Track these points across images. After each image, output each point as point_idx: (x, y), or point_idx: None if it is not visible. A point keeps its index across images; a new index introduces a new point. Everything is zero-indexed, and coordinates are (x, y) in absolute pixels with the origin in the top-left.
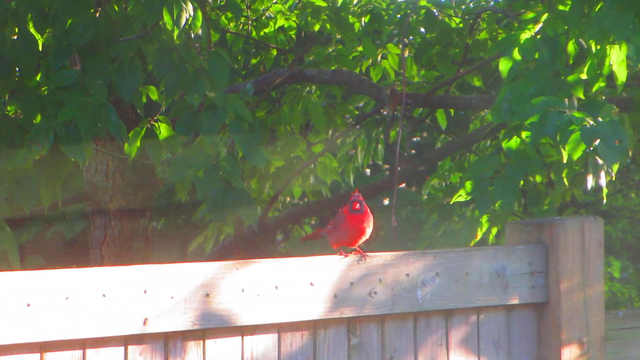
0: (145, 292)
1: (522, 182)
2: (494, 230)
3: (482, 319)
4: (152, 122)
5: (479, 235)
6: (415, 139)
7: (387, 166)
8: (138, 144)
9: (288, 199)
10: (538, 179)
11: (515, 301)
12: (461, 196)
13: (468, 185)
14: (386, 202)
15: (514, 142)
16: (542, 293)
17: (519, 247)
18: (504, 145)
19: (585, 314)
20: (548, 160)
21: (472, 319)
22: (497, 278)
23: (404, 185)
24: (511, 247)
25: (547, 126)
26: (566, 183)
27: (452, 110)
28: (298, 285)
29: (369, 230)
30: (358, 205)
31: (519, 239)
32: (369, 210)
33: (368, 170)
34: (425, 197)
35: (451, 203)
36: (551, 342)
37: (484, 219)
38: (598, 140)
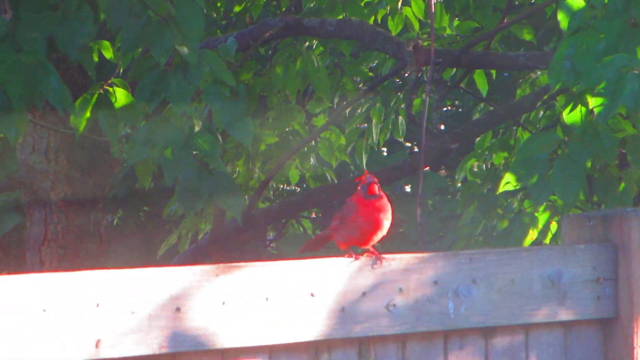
0: (97, 305)
1: (589, 165)
2: (554, 228)
3: (531, 340)
4: (105, 87)
5: (534, 234)
6: (445, 109)
7: (409, 144)
8: (87, 114)
9: (283, 186)
10: (610, 160)
11: (575, 316)
12: (509, 183)
13: (517, 169)
14: (408, 189)
15: (577, 112)
16: (610, 306)
17: (580, 247)
18: (565, 117)
19: None
20: (619, 136)
21: (518, 339)
22: (551, 287)
23: (428, 168)
24: (569, 247)
25: (624, 93)
26: None
27: (493, 72)
28: (295, 296)
29: (387, 224)
30: (376, 188)
31: (580, 236)
32: (386, 198)
33: (384, 149)
34: (460, 183)
35: (498, 193)
36: None
37: (541, 213)
38: None
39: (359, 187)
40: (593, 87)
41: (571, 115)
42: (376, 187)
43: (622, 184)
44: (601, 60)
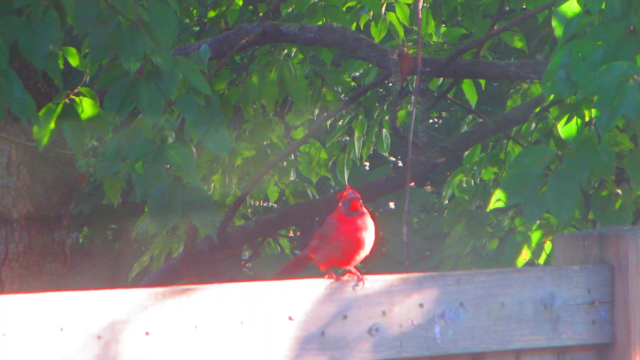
0: (61, 330)
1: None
2: (548, 248)
3: None
4: (71, 97)
5: (527, 254)
6: (431, 121)
7: (393, 158)
8: (52, 125)
9: (260, 202)
10: (607, 176)
11: (569, 342)
12: (500, 201)
13: (508, 185)
14: (392, 205)
15: (573, 125)
16: (606, 331)
17: (574, 268)
18: (560, 129)
19: None
20: (616, 150)
21: None
22: (543, 310)
23: (413, 183)
24: (563, 268)
25: (624, 102)
26: None
27: (482, 82)
28: (271, 319)
29: (369, 243)
30: (359, 204)
31: (575, 256)
32: (369, 215)
33: (367, 164)
34: (447, 201)
35: (488, 210)
36: None
37: (534, 231)
38: None
39: (340, 204)
40: (590, 97)
41: (566, 128)
42: (359, 204)
43: (620, 201)
44: (598, 69)
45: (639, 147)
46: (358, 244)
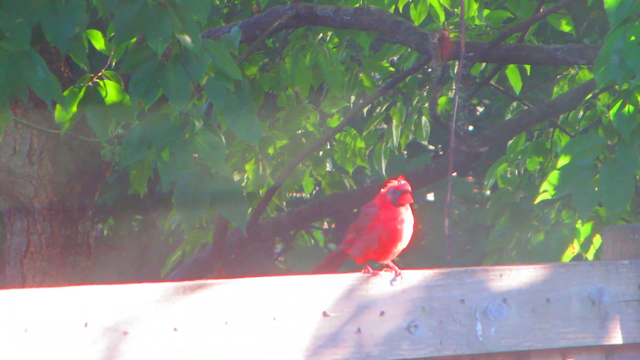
0: (85, 325)
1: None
2: (597, 242)
3: None
4: (95, 80)
5: (576, 248)
6: (473, 109)
7: (432, 147)
8: (74, 109)
9: (294, 194)
10: None
11: (618, 340)
12: (547, 192)
13: (553, 176)
14: (430, 197)
15: (626, 112)
16: None
17: (624, 263)
18: (613, 117)
19: None
20: None
21: None
22: (591, 307)
23: (455, 173)
24: (612, 263)
25: None
26: None
27: (528, 67)
28: (305, 315)
29: (408, 235)
30: (410, 198)
31: (624, 250)
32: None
33: (405, 153)
34: (489, 191)
35: (536, 203)
36: None
37: (582, 224)
38: None
39: (383, 190)
40: None
41: (619, 116)
42: (410, 197)
43: None
44: None
45: None
46: (396, 234)
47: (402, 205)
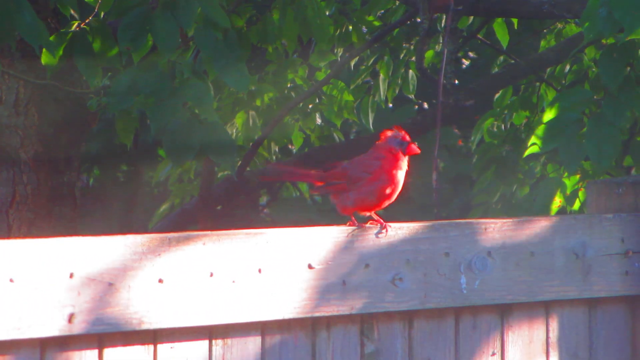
0: (71, 276)
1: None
2: (583, 195)
3: (552, 319)
4: (82, 26)
5: (561, 201)
6: (459, 62)
7: (418, 100)
8: (60, 52)
9: (286, 147)
10: None
11: (601, 293)
12: (535, 145)
13: (540, 130)
14: (413, 147)
15: (613, 66)
16: None
17: (607, 217)
18: (600, 71)
19: None
20: None
21: (538, 318)
22: (575, 260)
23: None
24: (596, 217)
25: None
26: None
27: (515, 21)
28: (290, 267)
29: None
30: (415, 146)
31: (608, 205)
32: None
33: (391, 106)
34: (474, 146)
35: (524, 157)
36: None
37: (568, 177)
38: None
39: (385, 141)
40: (636, 37)
41: (606, 69)
42: (417, 147)
43: None
44: None
45: None
46: (396, 187)
47: (410, 154)
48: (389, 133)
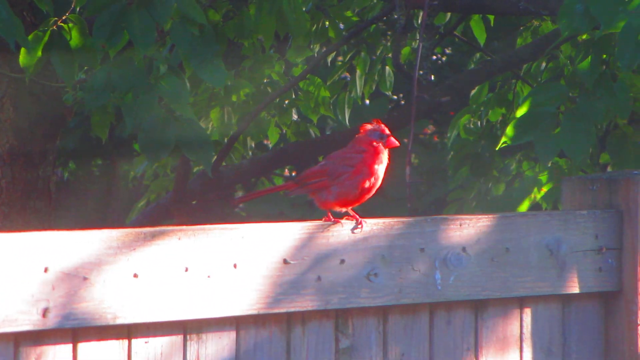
0: (45, 270)
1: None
2: (558, 193)
3: (526, 315)
4: (59, 24)
5: (538, 197)
6: (435, 58)
7: (394, 96)
8: (39, 53)
9: (263, 142)
10: (624, 115)
11: (575, 289)
12: (507, 138)
13: (512, 124)
14: None
15: (589, 62)
16: (613, 279)
17: (582, 214)
18: (577, 66)
19: None
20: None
21: (513, 314)
22: (549, 256)
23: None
24: (570, 213)
25: None
26: None
27: (491, 18)
28: (266, 262)
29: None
30: (394, 139)
31: (582, 201)
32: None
33: (367, 102)
34: (450, 142)
35: (497, 148)
36: (623, 347)
37: (543, 175)
38: None
39: (365, 134)
40: (612, 30)
41: (583, 65)
42: (396, 140)
43: (637, 142)
44: (621, 3)
45: None
46: (378, 180)
47: (390, 147)
48: (369, 126)
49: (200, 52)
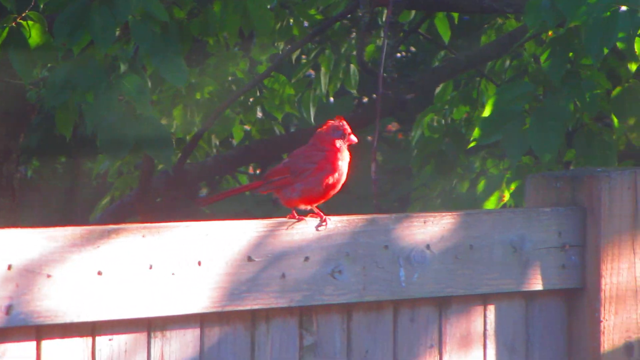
0: (9, 268)
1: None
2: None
3: (490, 312)
4: (18, 21)
5: (506, 196)
6: (399, 55)
7: (360, 95)
8: None
9: (228, 140)
10: (592, 112)
11: (538, 286)
12: (479, 137)
13: (477, 128)
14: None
15: (556, 59)
16: (576, 275)
17: (545, 211)
18: (544, 63)
19: (636, 307)
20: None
21: (476, 311)
22: (513, 253)
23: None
24: (534, 211)
25: (616, 32)
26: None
27: (456, 15)
28: (230, 260)
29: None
30: (353, 136)
31: (546, 198)
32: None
33: (332, 99)
34: (414, 142)
35: (468, 148)
36: (586, 344)
37: (508, 173)
38: None
39: (326, 132)
40: (578, 23)
41: (549, 62)
42: (356, 137)
43: (605, 137)
44: None
45: (629, 86)
46: (341, 176)
47: (350, 144)
48: (331, 123)
49: (162, 50)
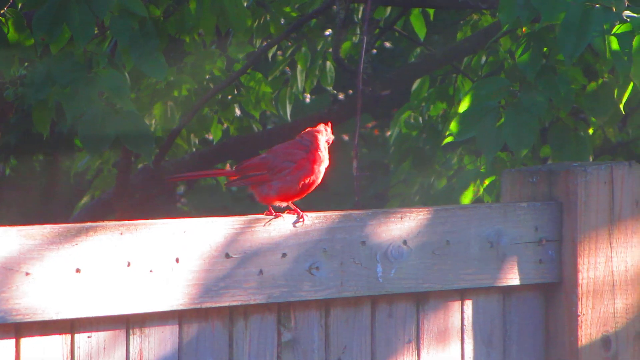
0: None
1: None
2: (499, 185)
3: (467, 307)
4: None
5: (479, 191)
6: (374, 52)
7: (334, 91)
8: None
9: (206, 137)
10: (566, 108)
11: (515, 281)
12: (454, 134)
13: (455, 120)
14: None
15: (530, 55)
16: (553, 270)
17: (521, 205)
18: (518, 59)
19: (613, 301)
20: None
21: (453, 306)
22: (489, 249)
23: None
24: (510, 206)
25: (590, 29)
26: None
27: (431, 11)
28: (208, 256)
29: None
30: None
31: (522, 193)
32: None
33: (308, 97)
34: (392, 139)
35: (443, 145)
36: (564, 338)
37: (486, 166)
38: None
39: (312, 134)
40: (553, 22)
41: (524, 57)
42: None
43: (580, 133)
44: None
45: (603, 82)
46: (318, 176)
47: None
48: (321, 127)
49: (141, 46)
